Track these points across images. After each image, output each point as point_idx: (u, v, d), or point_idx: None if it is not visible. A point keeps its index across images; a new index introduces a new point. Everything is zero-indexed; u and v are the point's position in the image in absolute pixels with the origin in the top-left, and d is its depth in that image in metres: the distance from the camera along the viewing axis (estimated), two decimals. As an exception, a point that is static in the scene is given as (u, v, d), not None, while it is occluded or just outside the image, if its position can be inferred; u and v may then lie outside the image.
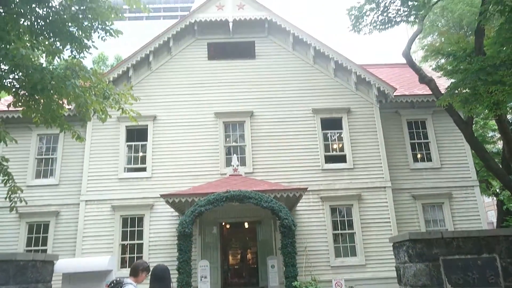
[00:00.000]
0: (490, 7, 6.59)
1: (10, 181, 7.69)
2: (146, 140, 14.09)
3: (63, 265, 9.03)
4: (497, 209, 19.79)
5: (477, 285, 5.26)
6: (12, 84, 6.99)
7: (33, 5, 6.59)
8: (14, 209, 7.77)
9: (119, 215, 13.32)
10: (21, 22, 6.70)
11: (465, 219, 14.17)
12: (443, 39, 11.98)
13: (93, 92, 6.84)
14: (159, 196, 12.06)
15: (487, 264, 5.37)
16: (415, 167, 14.74)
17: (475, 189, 14.67)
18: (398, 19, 9.74)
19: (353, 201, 13.63)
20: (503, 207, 18.21)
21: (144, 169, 13.87)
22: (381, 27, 10.05)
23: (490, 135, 20.99)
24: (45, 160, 14.33)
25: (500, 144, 19.71)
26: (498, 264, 5.36)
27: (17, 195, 7.74)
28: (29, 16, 6.56)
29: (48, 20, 6.65)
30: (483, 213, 14.49)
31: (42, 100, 6.94)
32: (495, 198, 20.33)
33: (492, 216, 41.03)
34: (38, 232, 13.52)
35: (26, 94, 6.92)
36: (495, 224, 23.63)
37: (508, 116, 17.31)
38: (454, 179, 14.63)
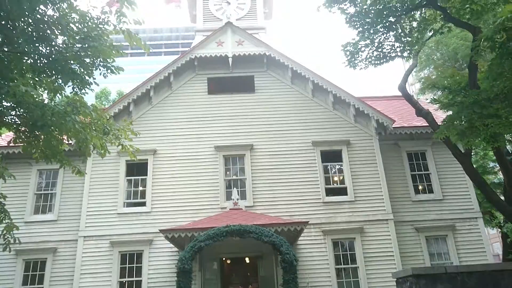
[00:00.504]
0: (481, 43, 6.76)
1: (6, 219, 7.61)
2: (146, 174, 14.06)
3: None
4: (502, 241, 19.45)
5: (484, 322, 5.11)
6: (13, 120, 7.07)
7: (37, 44, 6.77)
8: (4, 250, 7.65)
9: (118, 251, 13.10)
10: (25, 60, 6.86)
11: (470, 251, 13.91)
12: (439, 72, 12.22)
13: (93, 128, 6.91)
14: (159, 231, 11.90)
15: (493, 300, 5.23)
16: (417, 199, 14.62)
17: (478, 220, 14.48)
18: (393, 55, 9.96)
19: (355, 234, 13.43)
20: (508, 239, 17.91)
21: (143, 204, 13.77)
22: (376, 62, 10.25)
23: (491, 165, 20.94)
24: (44, 196, 14.26)
25: (501, 175, 19.64)
26: (505, 300, 5.23)
27: (12, 233, 7.64)
28: (32, 55, 6.72)
29: (51, 58, 6.80)
30: (487, 245, 14.25)
31: (42, 136, 7.00)
32: (499, 231, 20.02)
33: (497, 248, 40.25)
34: (35, 270, 13.25)
35: (27, 130, 6.98)
36: (501, 257, 23.16)
37: (508, 146, 17.34)
38: (457, 211, 14.48)
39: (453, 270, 5.54)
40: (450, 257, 13.90)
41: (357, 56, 10.14)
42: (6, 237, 7.62)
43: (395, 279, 6.05)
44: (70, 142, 11.31)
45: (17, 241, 7.73)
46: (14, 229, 7.67)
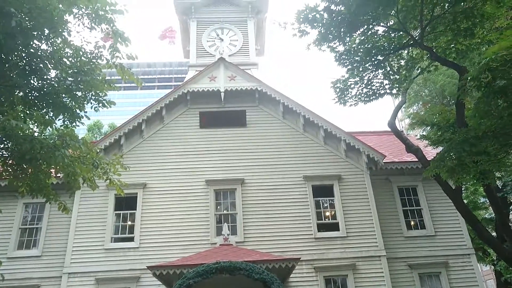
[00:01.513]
0: (467, 82, 6.95)
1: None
2: (135, 209, 13.82)
3: None
4: (496, 279, 19.23)
5: None
6: (1, 153, 6.97)
7: (29, 78, 6.78)
8: None
9: (103, 288, 12.64)
10: (16, 93, 6.84)
11: (464, 289, 13.68)
12: (427, 108, 12.47)
13: (82, 161, 6.83)
14: (146, 267, 11.56)
15: None
16: (409, 234, 14.51)
17: (471, 257, 14.34)
18: (382, 92, 10.16)
19: (348, 271, 13.18)
20: (502, 278, 17.71)
21: (131, 239, 13.45)
22: (366, 99, 10.44)
23: (481, 201, 21.01)
24: (29, 230, 13.88)
25: (492, 210, 19.68)
26: None
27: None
28: (23, 88, 6.72)
29: (42, 92, 6.80)
30: (481, 282, 14.05)
31: (29, 170, 6.89)
32: (493, 268, 19.83)
33: (491, 285, 39.74)
34: (15, 309, 12.69)
35: (14, 163, 6.87)
36: (495, 294, 22.82)
37: (498, 182, 17.47)
38: (450, 247, 14.36)
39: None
40: (444, 295, 13.64)
41: (347, 93, 10.33)
42: None
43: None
44: (59, 175, 11.18)
45: (1, 278, 7.44)
46: (-1, 265, 7.41)
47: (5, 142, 6.64)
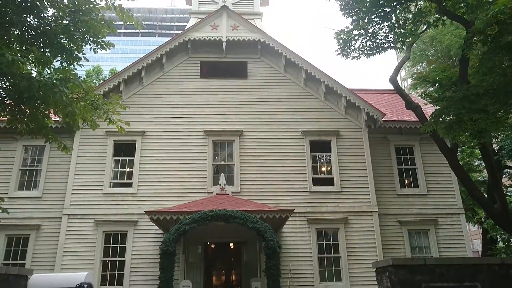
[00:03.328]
0: (473, 36, 6.76)
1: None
2: (134, 156, 13.96)
3: (37, 280, 8.73)
4: (482, 238, 19.86)
5: (459, 313, 5.21)
6: (-1, 92, 6.91)
7: (25, 15, 6.59)
8: None
9: (102, 230, 13.05)
10: (12, 31, 6.68)
11: (450, 246, 14.16)
12: (431, 67, 12.26)
13: (81, 102, 6.79)
14: (144, 212, 11.88)
15: (469, 293, 5.33)
16: (402, 192, 14.79)
17: (460, 216, 14.72)
18: (386, 46, 9.91)
19: (340, 224, 13.57)
20: (487, 235, 18.28)
21: (130, 185, 13.69)
22: (369, 52, 10.19)
23: (476, 163, 21.23)
24: (29, 172, 14.09)
25: (486, 173, 19.94)
26: (480, 293, 5.33)
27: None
28: (20, 26, 6.55)
29: (39, 31, 6.64)
30: (468, 241, 14.52)
31: (28, 110, 6.86)
32: (480, 227, 20.41)
33: (477, 245, 41.11)
34: (17, 246, 13.14)
35: (12, 103, 6.84)
36: (480, 253, 23.65)
37: (494, 145, 17.58)
38: (440, 206, 14.69)
39: (432, 262, 5.62)
40: (431, 251, 14.14)
41: (350, 45, 10.07)
42: None
43: (375, 269, 6.13)
44: (58, 119, 11.16)
45: (4, 212, 7.64)
46: (0, 201, 7.58)
47: (2, 81, 6.57)
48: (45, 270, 12.22)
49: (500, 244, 19.28)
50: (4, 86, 6.72)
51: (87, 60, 7.28)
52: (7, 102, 7.00)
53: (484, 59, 6.45)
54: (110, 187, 13.63)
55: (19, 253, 13.06)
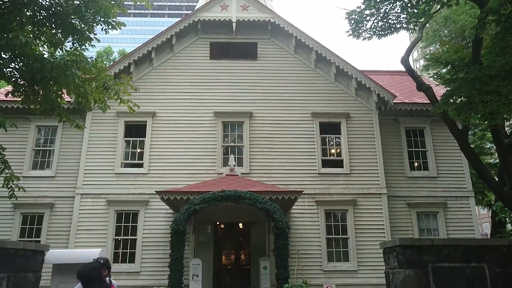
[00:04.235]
0: (486, 15, 6.60)
1: (6, 170, 7.70)
2: (145, 136, 14.10)
3: (54, 256, 9.02)
4: (491, 221, 19.82)
5: (465, 293, 5.28)
6: (12, 73, 7.01)
7: (37, -4, 6.63)
8: (10, 197, 7.77)
9: (114, 210, 13.32)
10: (24, 12, 6.72)
11: (459, 229, 14.18)
12: (445, 48, 12.02)
13: (93, 83, 6.86)
14: (155, 192, 12.08)
15: (475, 273, 5.39)
16: (412, 175, 14.76)
17: (470, 199, 14.69)
18: (398, 26, 9.72)
19: (348, 206, 13.65)
20: (496, 218, 18.24)
21: (141, 165, 13.88)
22: (380, 33, 10.01)
23: (488, 146, 21.02)
24: (43, 152, 14.34)
25: (497, 156, 19.75)
26: (487, 274, 5.39)
27: (15, 183, 7.74)
28: (31, 6, 6.59)
29: (50, 11, 6.67)
30: (476, 224, 14.51)
31: (41, 91, 6.96)
32: (489, 210, 20.35)
33: (487, 228, 41.05)
34: (32, 223, 13.51)
35: (26, 84, 6.94)
36: (489, 236, 23.64)
37: (507, 128, 17.36)
38: (450, 189, 14.66)
39: (439, 243, 5.67)
40: (439, 233, 14.19)
41: (362, 25, 9.89)
42: (9, 186, 7.71)
43: (382, 249, 6.21)
44: (69, 99, 11.29)
45: (21, 190, 7.85)
46: (16, 180, 7.78)
47: (15, 62, 6.65)
48: (59, 248, 12.51)
49: (509, 226, 19.25)
50: (18, 67, 6.80)
51: (98, 41, 7.32)
52: (21, 83, 7.10)
53: (497, 39, 6.32)
54: (121, 167, 13.83)
55: (34, 230, 13.43)
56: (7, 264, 5.13)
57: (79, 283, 4.03)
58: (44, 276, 7.01)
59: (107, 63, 29.17)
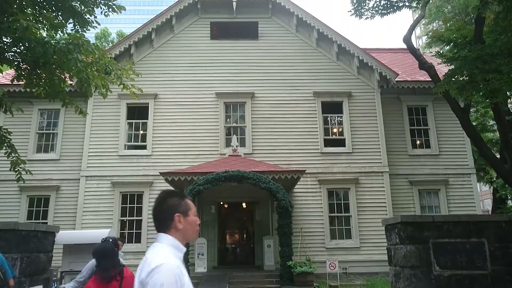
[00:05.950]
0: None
1: (13, 153, 7.78)
2: (147, 118, 14.16)
3: (64, 236, 9.20)
4: (493, 197, 19.98)
5: (465, 268, 5.42)
6: (15, 57, 7.01)
7: (36, -22, 6.57)
8: (17, 181, 7.88)
9: (119, 191, 13.50)
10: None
11: (460, 206, 14.35)
12: (447, 25, 11.90)
13: (95, 68, 6.87)
14: (159, 173, 12.21)
15: (475, 248, 5.52)
16: (414, 153, 14.84)
17: (471, 176, 14.80)
18: (401, 4, 9.62)
19: (350, 184, 13.79)
20: (497, 195, 18.39)
21: (144, 147, 13.99)
22: (383, 12, 9.93)
23: (490, 123, 20.98)
24: (46, 135, 14.43)
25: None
26: (486, 249, 5.52)
27: (22, 166, 7.84)
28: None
29: (51, -6, 6.63)
30: (478, 200, 14.66)
31: (44, 75, 6.98)
32: (491, 187, 20.48)
33: (488, 204, 41.34)
34: (38, 206, 13.72)
35: (28, 68, 6.95)
36: (490, 212, 23.88)
37: (510, 105, 17.31)
38: (452, 166, 14.75)
39: (440, 219, 5.79)
40: (441, 210, 14.36)
41: (364, 4, 9.80)
42: (17, 169, 7.82)
43: (384, 226, 6.34)
44: (71, 82, 11.30)
45: (28, 173, 7.96)
46: (22, 163, 7.87)
47: (17, 46, 6.65)
48: (66, 229, 12.71)
49: (509, 202, 19.40)
50: (19, 51, 6.80)
51: (99, 24, 7.28)
52: (23, 66, 7.11)
53: (499, 18, 6.27)
54: (125, 149, 13.94)
55: (41, 213, 13.65)
56: (20, 245, 5.28)
57: (92, 261, 4.17)
58: (55, 256, 7.19)
59: (106, 44, 28.93)
